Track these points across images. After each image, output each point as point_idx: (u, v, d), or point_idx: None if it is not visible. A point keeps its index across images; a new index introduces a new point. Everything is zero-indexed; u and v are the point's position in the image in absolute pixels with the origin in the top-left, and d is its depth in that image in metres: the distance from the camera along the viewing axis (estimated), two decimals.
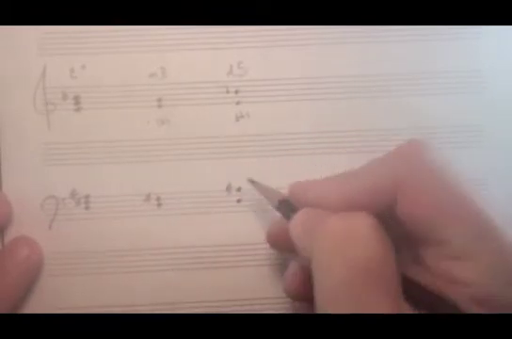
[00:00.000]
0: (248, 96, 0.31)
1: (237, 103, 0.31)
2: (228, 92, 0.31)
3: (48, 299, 0.30)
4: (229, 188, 0.30)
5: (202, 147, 0.30)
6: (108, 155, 0.30)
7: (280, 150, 0.31)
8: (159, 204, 0.30)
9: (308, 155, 0.31)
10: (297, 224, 0.24)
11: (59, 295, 0.30)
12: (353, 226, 0.21)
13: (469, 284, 0.21)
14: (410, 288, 0.21)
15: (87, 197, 0.30)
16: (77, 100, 0.30)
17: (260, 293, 0.30)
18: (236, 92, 0.31)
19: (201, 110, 0.31)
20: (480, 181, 0.31)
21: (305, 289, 0.26)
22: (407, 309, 0.20)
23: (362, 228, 0.21)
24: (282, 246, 0.27)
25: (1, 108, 0.30)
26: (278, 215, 0.27)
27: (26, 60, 0.30)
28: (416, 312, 0.20)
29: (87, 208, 0.30)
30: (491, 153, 0.31)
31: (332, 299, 0.20)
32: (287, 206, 0.26)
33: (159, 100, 0.31)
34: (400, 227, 0.23)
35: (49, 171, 0.30)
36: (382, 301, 0.20)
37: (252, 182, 0.29)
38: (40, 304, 0.30)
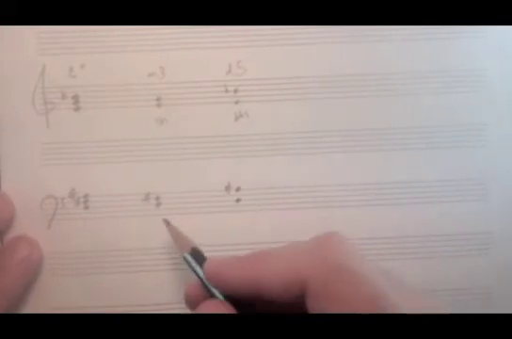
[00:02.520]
0: (247, 95, 0.31)
1: (236, 102, 0.31)
2: (227, 92, 0.31)
3: (47, 299, 0.30)
4: (228, 188, 0.30)
5: (201, 146, 0.30)
6: (107, 155, 0.30)
7: (279, 149, 0.31)
8: (158, 204, 0.30)
9: (307, 155, 0.30)
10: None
11: (58, 294, 0.30)
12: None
13: None
14: None
15: (86, 196, 0.30)
16: (76, 99, 0.30)
17: None
18: (235, 92, 0.31)
19: (200, 109, 0.31)
20: (481, 180, 0.31)
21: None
22: None
23: None
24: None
25: (0, 108, 0.30)
26: None
27: (26, 60, 0.30)
28: None
29: (86, 208, 0.30)
30: (493, 152, 0.31)
31: None
32: (195, 258, 0.26)
33: (158, 99, 0.30)
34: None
35: (48, 171, 0.30)
36: None
37: (168, 224, 0.29)
38: (38, 304, 0.30)
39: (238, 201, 0.30)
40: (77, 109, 0.30)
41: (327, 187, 0.30)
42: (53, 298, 0.30)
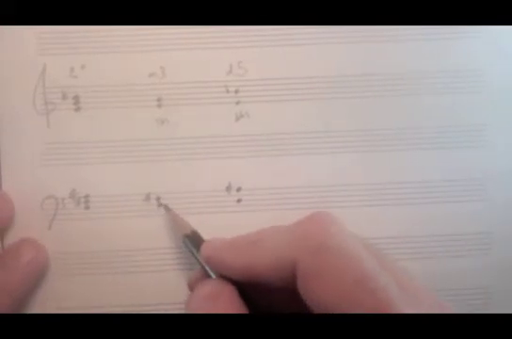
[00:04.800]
0: (248, 96, 0.31)
1: (237, 102, 0.31)
2: (228, 92, 0.31)
3: (48, 299, 0.30)
4: (228, 188, 0.30)
5: (202, 147, 0.30)
6: (108, 155, 0.30)
7: (280, 150, 0.31)
8: (158, 204, 0.30)
9: (308, 155, 0.31)
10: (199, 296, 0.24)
11: (59, 295, 0.30)
12: (212, 294, 0.24)
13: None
14: None
15: (86, 197, 0.30)
16: (77, 99, 0.30)
17: None
18: (236, 92, 0.31)
19: (201, 110, 0.31)
20: (481, 180, 0.31)
21: None
22: None
23: (221, 296, 0.23)
24: None
25: (1, 108, 0.30)
26: None
27: (26, 60, 0.30)
28: None
29: (86, 208, 0.30)
30: (493, 152, 0.31)
31: None
32: (193, 241, 0.27)
33: (159, 100, 0.30)
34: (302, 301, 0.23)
35: (48, 171, 0.30)
36: None
37: (167, 208, 0.29)
38: (39, 304, 0.30)
39: (239, 201, 0.30)
40: (78, 109, 0.30)
41: (328, 188, 0.30)
42: (53, 298, 0.30)
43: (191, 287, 0.26)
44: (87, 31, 0.30)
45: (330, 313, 0.21)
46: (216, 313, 0.23)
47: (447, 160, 0.31)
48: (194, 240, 0.27)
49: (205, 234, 0.29)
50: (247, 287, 0.25)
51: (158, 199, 0.30)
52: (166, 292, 0.30)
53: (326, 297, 0.21)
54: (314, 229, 0.23)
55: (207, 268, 0.26)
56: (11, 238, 0.30)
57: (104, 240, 0.30)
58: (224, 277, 0.25)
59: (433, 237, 0.31)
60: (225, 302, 0.24)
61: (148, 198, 0.30)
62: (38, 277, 0.29)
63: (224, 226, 0.30)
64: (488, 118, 0.31)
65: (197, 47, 0.31)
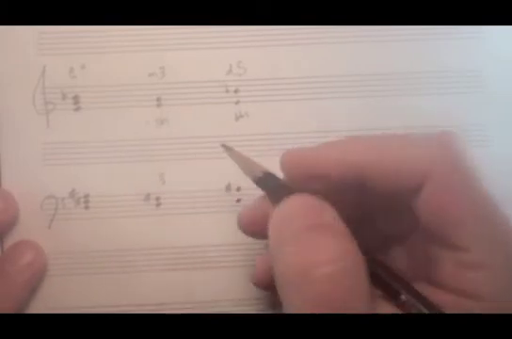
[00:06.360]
0: (248, 95, 0.31)
1: (237, 102, 0.31)
2: (227, 92, 0.31)
3: (47, 299, 0.30)
4: (228, 188, 0.30)
5: (202, 146, 0.30)
6: (107, 155, 0.30)
7: (280, 149, 0.30)
8: (158, 204, 0.30)
9: None
10: (285, 213, 0.21)
11: (58, 295, 0.30)
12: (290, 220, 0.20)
13: (481, 298, 0.19)
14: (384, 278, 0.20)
15: (86, 197, 0.30)
16: (76, 99, 0.30)
17: (262, 292, 0.30)
18: (236, 92, 0.31)
19: (201, 110, 0.31)
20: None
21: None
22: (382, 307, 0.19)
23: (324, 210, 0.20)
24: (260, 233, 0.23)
25: (0, 108, 0.30)
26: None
27: (26, 60, 0.30)
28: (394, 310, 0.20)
29: (86, 208, 0.30)
30: (492, 152, 0.31)
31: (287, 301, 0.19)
32: (270, 182, 0.23)
33: (158, 99, 0.30)
34: (411, 217, 0.21)
35: (48, 171, 0.30)
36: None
37: (228, 149, 0.25)
38: (38, 304, 0.30)
39: (239, 201, 0.30)
40: (77, 109, 0.30)
41: None
42: (53, 298, 0.30)
43: (249, 225, 0.23)
44: (86, 31, 0.30)
45: (451, 227, 0.20)
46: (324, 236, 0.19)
47: None
48: (271, 182, 0.23)
49: (205, 234, 0.29)
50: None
51: (158, 199, 0.30)
52: (166, 292, 0.30)
53: (456, 212, 0.20)
54: (453, 142, 0.21)
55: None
56: (11, 238, 0.30)
57: (103, 240, 0.30)
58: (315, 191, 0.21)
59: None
60: (330, 217, 0.20)
61: (147, 198, 0.30)
62: (38, 279, 0.29)
63: (224, 226, 0.30)
64: (487, 117, 0.31)
65: (196, 47, 0.31)
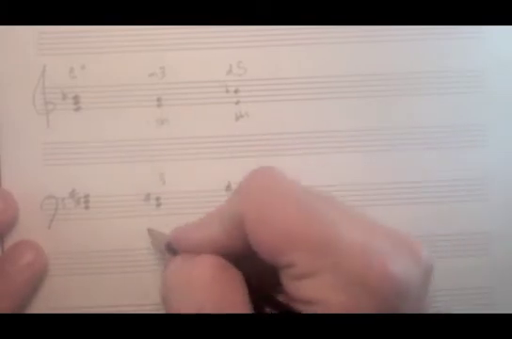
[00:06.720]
0: (248, 96, 0.31)
1: (237, 102, 0.31)
2: (227, 92, 0.31)
3: (47, 299, 0.30)
4: (228, 188, 0.30)
5: (202, 147, 0.30)
6: (108, 155, 0.30)
7: (280, 149, 0.31)
8: (158, 204, 0.30)
9: (307, 155, 0.31)
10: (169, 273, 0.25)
11: (58, 295, 0.30)
12: (191, 269, 0.24)
13: (316, 303, 0.21)
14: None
15: (86, 197, 0.30)
16: (77, 100, 0.30)
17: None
18: (236, 92, 0.31)
19: (201, 110, 0.31)
20: (481, 180, 0.31)
21: None
22: None
23: (201, 270, 0.23)
24: None
25: (0, 108, 0.30)
26: None
27: (26, 60, 0.30)
28: None
29: (86, 208, 0.30)
30: (492, 152, 0.31)
31: None
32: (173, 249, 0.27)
33: (159, 99, 0.30)
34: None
35: (48, 171, 0.30)
36: None
37: (150, 231, 0.29)
38: (39, 304, 0.30)
39: None
40: (78, 109, 0.30)
41: (327, 188, 0.30)
42: (52, 297, 0.30)
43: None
44: (86, 31, 0.30)
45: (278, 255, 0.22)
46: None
47: (447, 160, 0.31)
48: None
49: None
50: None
51: (158, 199, 0.30)
52: None
53: (272, 238, 0.22)
54: (255, 183, 0.24)
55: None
56: (11, 238, 0.30)
57: (103, 240, 0.30)
58: None
59: (432, 237, 0.31)
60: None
61: (147, 198, 0.30)
62: (38, 279, 0.29)
63: None
64: (487, 118, 0.31)
65: (196, 47, 0.31)
